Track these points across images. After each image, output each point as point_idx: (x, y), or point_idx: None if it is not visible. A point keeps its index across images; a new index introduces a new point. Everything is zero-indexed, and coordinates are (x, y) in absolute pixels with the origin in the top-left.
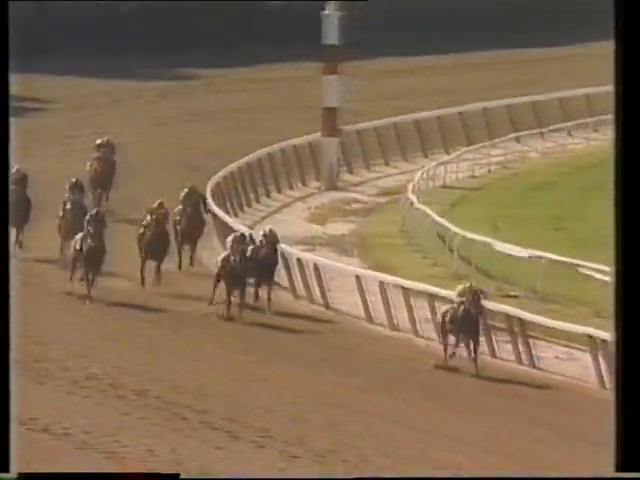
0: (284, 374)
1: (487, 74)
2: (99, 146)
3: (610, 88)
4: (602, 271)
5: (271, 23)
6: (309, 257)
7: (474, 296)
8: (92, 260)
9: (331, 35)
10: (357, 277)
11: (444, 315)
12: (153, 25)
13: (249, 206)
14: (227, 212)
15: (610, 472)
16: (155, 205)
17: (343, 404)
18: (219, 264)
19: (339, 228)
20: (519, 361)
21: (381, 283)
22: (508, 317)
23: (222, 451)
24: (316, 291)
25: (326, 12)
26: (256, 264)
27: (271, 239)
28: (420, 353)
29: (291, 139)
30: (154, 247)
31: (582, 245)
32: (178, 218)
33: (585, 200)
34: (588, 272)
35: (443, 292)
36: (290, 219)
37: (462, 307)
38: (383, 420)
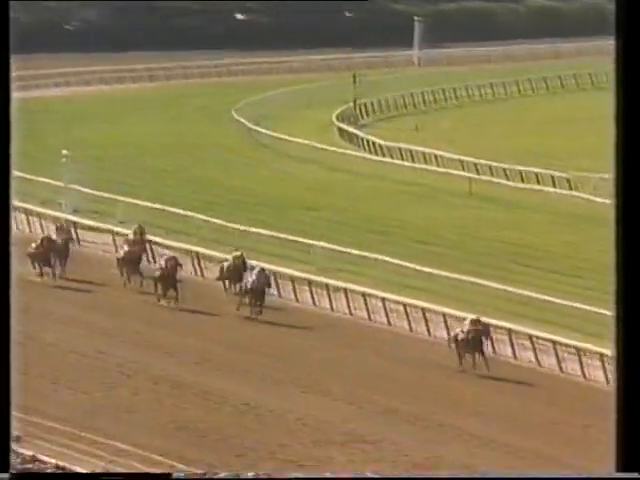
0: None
1: None
2: None
3: None
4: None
5: None
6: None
7: (483, 326)
8: (169, 280)
9: None
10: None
11: (456, 335)
12: None
13: None
14: None
15: (610, 472)
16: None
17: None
18: (249, 285)
19: None
20: None
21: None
22: None
23: None
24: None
25: None
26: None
27: (264, 276)
28: None
29: None
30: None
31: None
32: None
33: None
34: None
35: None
36: None
37: (472, 332)
38: None
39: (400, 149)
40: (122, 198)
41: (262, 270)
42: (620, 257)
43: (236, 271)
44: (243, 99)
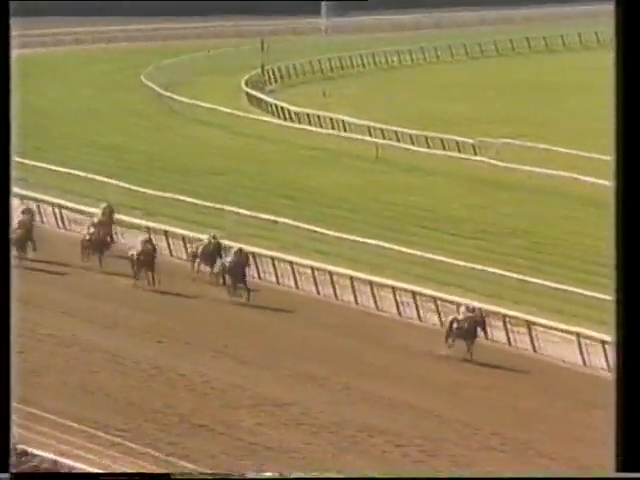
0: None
1: None
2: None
3: None
4: None
5: None
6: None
7: (479, 313)
8: (147, 261)
9: None
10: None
11: (451, 322)
12: None
13: None
14: None
15: (610, 472)
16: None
17: None
18: (227, 265)
19: None
20: None
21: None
22: None
23: None
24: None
25: None
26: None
27: (242, 254)
28: None
29: None
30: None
31: None
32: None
33: None
34: None
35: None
36: None
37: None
38: None
39: (308, 115)
40: (32, 163)
41: (240, 250)
42: (620, 244)
43: (211, 253)
44: (151, 64)
